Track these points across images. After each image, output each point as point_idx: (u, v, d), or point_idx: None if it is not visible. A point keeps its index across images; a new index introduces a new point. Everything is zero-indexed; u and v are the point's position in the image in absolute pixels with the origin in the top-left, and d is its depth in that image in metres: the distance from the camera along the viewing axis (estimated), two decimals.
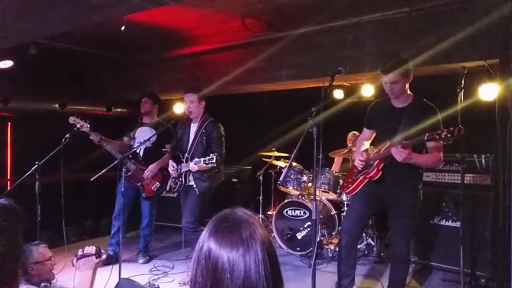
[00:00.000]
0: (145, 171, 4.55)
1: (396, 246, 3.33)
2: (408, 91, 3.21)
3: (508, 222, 3.13)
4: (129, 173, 4.53)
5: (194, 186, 4.08)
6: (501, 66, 3.62)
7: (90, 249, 2.45)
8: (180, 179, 4.19)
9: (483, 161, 4.06)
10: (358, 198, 3.44)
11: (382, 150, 3.18)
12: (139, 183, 4.57)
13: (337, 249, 4.82)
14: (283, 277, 1.10)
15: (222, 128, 4.19)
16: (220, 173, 4.28)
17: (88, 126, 4.37)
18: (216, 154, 3.76)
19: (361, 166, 3.35)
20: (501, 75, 3.58)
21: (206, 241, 1.05)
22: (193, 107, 4.13)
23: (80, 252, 2.49)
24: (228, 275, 1.00)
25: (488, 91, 3.89)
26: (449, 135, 2.75)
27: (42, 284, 2.62)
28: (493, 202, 3.91)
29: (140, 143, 4.58)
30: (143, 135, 4.65)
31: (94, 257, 2.43)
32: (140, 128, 4.78)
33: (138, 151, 4.64)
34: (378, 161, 3.19)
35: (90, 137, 4.39)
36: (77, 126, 4.28)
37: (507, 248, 3.13)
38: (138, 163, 4.59)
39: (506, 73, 3.24)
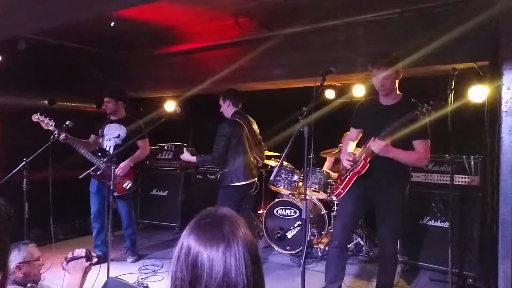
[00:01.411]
0: (116, 169, 4.32)
1: (384, 246, 3.34)
2: (397, 91, 3.22)
3: (496, 223, 3.15)
4: (99, 172, 4.37)
5: None
6: (491, 68, 3.66)
7: (80, 251, 2.41)
8: None
9: (472, 162, 4.09)
10: (348, 199, 3.41)
11: (366, 146, 3.17)
12: (110, 182, 4.35)
13: (327, 248, 4.85)
14: (264, 279, 1.09)
15: (226, 127, 4.20)
16: (227, 173, 4.22)
17: (53, 124, 4.18)
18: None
19: (349, 165, 3.33)
20: (491, 77, 3.62)
21: (186, 237, 1.05)
22: (222, 108, 4.40)
23: (70, 255, 2.45)
24: (207, 271, 0.99)
25: (478, 93, 3.92)
26: (429, 108, 2.77)
27: (29, 284, 2.56)
28: (481, 203, 3.96)
29: (109, 140, 4.51)
30: (112, 132, 4.57)
31: (84, 259, 2.39)
32: (108, 125, 4.63)
33: (107, 148, 4.51)
34: (364, 155, 3.18)
35: (58, 137, 4.13)
36: (45, 127, 4.14)
37: (495, 248, 3.15)
38: (108, 161, 4.33)
39: (495, 75, 3.27)
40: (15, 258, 2.57)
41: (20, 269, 2.58)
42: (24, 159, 3.70)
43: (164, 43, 5.43)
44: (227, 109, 4.35)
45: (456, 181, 4.03)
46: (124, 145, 4.38)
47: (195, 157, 4.42)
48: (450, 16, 3.79)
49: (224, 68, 5.01)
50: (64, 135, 4.20)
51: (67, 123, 4.15)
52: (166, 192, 6.08)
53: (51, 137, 3.93)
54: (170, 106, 6.08)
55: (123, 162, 4.43)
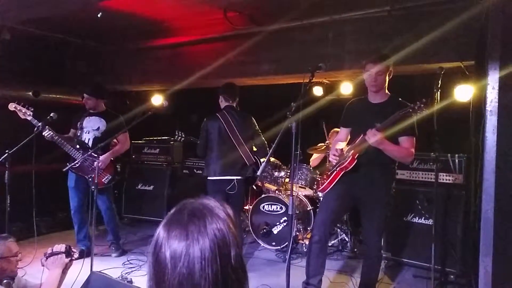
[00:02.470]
0: (95, 162, 4.19)
1: (368, 243, 3.37)
2: (386, 90, 3.26)
3: (478, 221, 3.20)
4: (77, 165, 4.28)
5: None
6: (477, 68, 3.70)
7: (60, 247, 2.36)
8: None
9: (457, 160, 4.15)
10: (331, 194, 3.41)
11: (357, 141, 3.18)
12: (88, 175, 4.34)
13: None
14: (244, 276, 1.05)
15: (205, 121, 4.32)
16: (207, 167, 4.35)
17: (31, 113, 4.11)
18: None
19: (335, 160, 3.34)
20: (476, 76, 3.66)
21: (159, 231, 1.03)
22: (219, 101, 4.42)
23: (49, 250, 2.40)
24: (170, 268, 0.97)
25: (464, 92, 3.97)
26: (422, 105, 2.81)
27: (5, 281, 2.47)
28: (464, 201, 4.02)
29: (88, 132, 4.46)
30: (91, 125, 4.52)
31: (63, 255, 2.35)
32: (88, 117, 4.57)
33: (86, 140, 4.46)
34: (352, 151, 3.20)
35: (42, 133, 4.07)
36: (21, 116, 4.06)
37: (477, 246, 3.20)
38: (87, 154, 4.23)
39: (481, 75, 3.30)
40: None
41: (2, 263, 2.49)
42: (7, 151, 3.64)
43: (151, 36, 5.37)
44: (220, 104, 4.38)
45: (440, 179, 4.08)
46: (107, 140, 4.22)
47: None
48: (438, 15, 3.83)
49: (212, 63, 4.99)
50: (50, 133, 4.14)
51: (51, 115, 4.08)
52: (152, 186, 6.04)
53: (35, 129, 3.86)
54: (157, 100, 6.03)
55: (103, 155, 4.36)
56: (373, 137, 2.94)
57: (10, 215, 3.68)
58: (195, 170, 6.13)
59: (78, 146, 4.31)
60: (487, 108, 2.96)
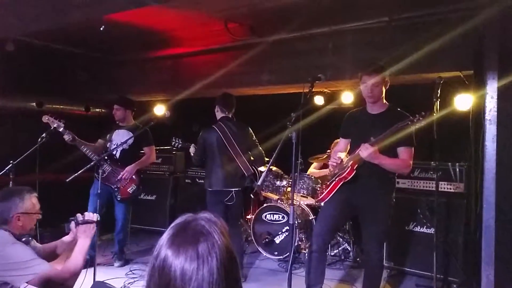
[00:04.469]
0: (121, 173, 4.48)
1: (369, 252, 3.34)
2: (384, 100, 3.27)
3: (480, 229, 3.21)
4: (104, 175, 4.41)
5: None
6: (475, 77, 3.73)
7: (92, 216, 2.32)
8: None
9: (457, 169, 4.16)
10: (331, 203, 3.41)
11: (355, 153, 3.18)
12: (114, 185, 4.49)
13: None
14: None
15: (201, 133, 4.31)
16: (207, 179, 4.32)
17: (63, 125, 4.23)
18: None
19: (335, 164, 3.34)
20: (475, 86, 3.69)
21: (163, 249, 1.01)
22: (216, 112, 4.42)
23: (80, 217, 2.34)
24: (180, 286, 0.96)
25: (463, 101, 3.99)
26: (420, 118, 2.83)
27: (23, 239, 2.36)
28: (466, 210, 4.02)
29: (117, 145, 4.52)
30: (120, 138, 4.60)
31: (95, 225, 2.34)
32: (117, 131, 4.71)
33: (114, 152, 4.58)
34: (352, 162, 3.21)
35: (63, 136, 4.25)
36: (53, 126, 4.16)
37: (478, 254, 3.21)
38: (115, 165, 4.52)
39: (480, 84, 3.33)
40: (16, 206, 2.36)
41: (19, 220, 2.36)
42: (11, 161, 3.67)
43: (153, 47, 5.43)
44: (217, 114, 4.38)
45: (441, 188, 4.09)
46: (119, 145, 4.48)
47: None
48: (436, 25, 3.86)
49: (213, 73, 5.03)
50: (71, 136, 4.25)
51: (56, 125, 4.16)
52: (154, 196, 6.05)
53: (39, 139, 3.90)
54: (159, 110, 6.07)
55: (129, 166, 4.49)
56: (365, 151, 2.94)
57: None
58: (197, 180, 6.14)
59: (106, 158, 4.40)
60: (486, 117, 2.99)
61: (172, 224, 1.08)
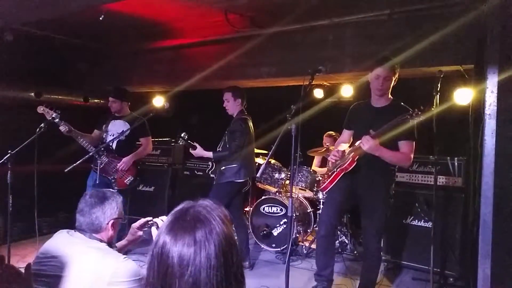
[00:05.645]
0: (118, 164, 4.47)
1: (367, 243, 3.41)
2: (389, 94, 3.31)
3: (477, 223, 3.21)
4: (101, 166, 4.39)
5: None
6: (476, 71, 3.72)
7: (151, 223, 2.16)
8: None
9: (456, 163, 4.17)
10: (334, 192, 3.46)
11: (356, 144, 3.23)
12: (111, 177, 4.47)
13: (312, 246, 4.91)
14: (243, 281, 1.07)
15: (242, 124, 4.24)
16: (238, 169, 4.23)
17: (59, 116, 4.19)
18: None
19: (334, 160, 3.39)
20: (476, 80, 3.68)
21: (161, 236, 1.02)
22: (229, 105, 4.34)
23: (159, 222, 2.14)
24: (178, 274, 0.97)
25: (463, 96, 3.99)
26: (419, 113, 2.86)
27: (116, 248, 2.12)
28: (463, 204, 4.03)
29: (113, 136, 4.51)
30: (116, 128, 4.58)
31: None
32: (113, 121, 4.67)
33: (111, 144, 4.56)
34: (353, 154, 3.25)
35: (59, 128, 4.22)
36: (49, 117, 4.12)
37: (475, 248, 3.22)
38: (111, 156, 4.50)
39: (480, 79, 3.32)
40: (112, 211, 2.06)
41: (113, 227, 2.07)
42: (9, 151, 3.66)
43: (153, 38, 5.40)
44: (236, 107, 4.34)
45: (439, 182, 4.10)
46: (117, 136, 4.45)
47: (210, 153, 4.27)
48: (437, 19, 3.85)
49: (213, 65, 5.01)
50: (67, 127, 4.22)
51: (53, 115, 4.14)
52: (153, 187, 6.06)
53: (37, 129, 3.89)
54: (159, 101, 6.06)
55: (126, 157, 4.47)
56: (366, 144, 2.98)
57: (12, 215, 3.70)
58: (196, 172, 6.15)
59: (103, 149, 4.38)
60: (486, 112, 2.98)
61: (171, 212, 1.08)
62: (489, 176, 2.96)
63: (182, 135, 4.19)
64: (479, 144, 3.19)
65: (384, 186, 3.31)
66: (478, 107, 3.46)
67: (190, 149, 4.32)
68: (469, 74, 3.97)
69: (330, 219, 3.46)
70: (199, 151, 4.26)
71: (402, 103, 3.25)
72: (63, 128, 4.22)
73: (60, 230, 2.11)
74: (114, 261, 1.82)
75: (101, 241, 2.02)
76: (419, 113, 2.87)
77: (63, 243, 1.97)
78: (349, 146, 3.50)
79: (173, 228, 1.02)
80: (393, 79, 3.22)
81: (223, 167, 4.26)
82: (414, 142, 3.19)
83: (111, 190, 2.22)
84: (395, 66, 3.21)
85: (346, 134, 3.57)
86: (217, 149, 4.36)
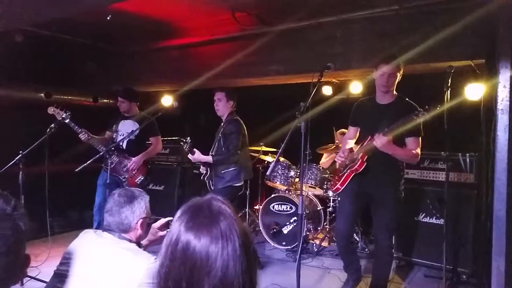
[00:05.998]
0: (129, 163, 4.50)
1: (379, 240, 3.42)
2: (394, 91, 3.32)
3: (490, 220, 3.18)
4: (112, 166, 4.43)
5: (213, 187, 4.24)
6: (487, 66, 3.67)
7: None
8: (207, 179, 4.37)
9: (468, 159, 4.12)
10: (346, 198, 3.53)
11: (365, 143, 3.27)
12: (122, 176, 4.50)
13: (322, 244, 4.92)
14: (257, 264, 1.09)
15: (238, 125, 4.20)
16: (238, 171, 4.17)
17: (69, 116, 4.20)
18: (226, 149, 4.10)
19: (340, 161, 3.43)
20: (487, 75, 3.63)
21: (182, 234, 1.00)
22: (221, 105, 4.23)
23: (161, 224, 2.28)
24: (207, 270, 0.96)
25: (474, 91, 3.94)
26: (424, 112, 2.90)
27: (143, 247, 2.09)
28: (476, 200, 3.99)
29: (123, 135, 4.53)
30: (126, 128, 4.61)
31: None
32: (122, 121, 4.70)
33: (121, 143, 4.59)
34: (361, 154, 3.27)
35: (79, 136, 4.25)
36: (60, 118, 4.14)
37: (488, 245, 3.18)
38: (122, 155, 4.53)
39: (492, 74, 3.28)
40: (140, 210, 2.05)
41: (142, 227, 2.05)
42: (20, 152, 3.69)
43: (160, 37, 5.40)
44: (228, 108, 4.26)
45: (451, 179, 4.06)
46: (126, 136, 4.48)
47: (209, 157, 4.18)
48: (447, 13, 3.80)
49: (221, 63, 5.00)
50: (86, 135, 4.25)
51: (64, 115, 4.17)
52: (162, 186, 6.08)
53: (48, 130, 3.92)
54: (167, 100, 6.07)
55: (136, 157, 4.50)
56: (379, 142, 3.02)
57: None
58: None
59: (113, 148, 4.41)
60: (498, 107, 2.94)
61: (183, 209, 1.06)
62: (502, 172, 2.92)
63: (188, 140, 4.13)
64: (492, 140, 3.15)
65: (393, 183, 3.32)
66: (490, 102, 3.41)
67: (188, 154, 4.23)
68: (480, 69, 3.92)
69: (346, 230, 3.54)
70: (197, 156, 4.15)
71: (407, 99, 3.27)
72: (83, 136, 4.26)
73: (86, 230, 2.09)
74: (145, 262, 1.79)
75: (130, 241, 1.99)
76: (425, 113, 2.91)
77: (91, 243, 1.95)
78: (356, 143, 3.52)
79: (194, 225, 1.01)
80: (398, 75, 3.23)
81: (223, 171, 4.15)
82: (420, 138, 3.22)
83: (139, 189, 2.19)
84: (399, 63, 3.22)
85: (352, 130, 3.60)
86: (210, 153, 4.26)
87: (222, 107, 4.24)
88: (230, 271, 0.97)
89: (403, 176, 3.40)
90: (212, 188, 4.27)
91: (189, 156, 4.21)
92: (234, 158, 4.13)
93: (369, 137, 3.21)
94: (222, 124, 4.28)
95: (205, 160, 4.19)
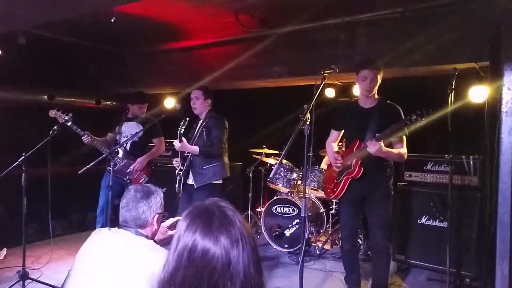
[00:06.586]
0: (132, 164, 4.50)
1: (375, 241, 3.46)
2: (376, 94, 3.43)
3: (494, 223, 3.16)
4: (116, 167, 4.43)
5: (193, 182, 4.08)
6: (491, 68, 3.65)
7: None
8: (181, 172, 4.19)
9: (471, 162, 4.10)
10: (346, 207, 3.61)
11: (355, 149, 3.38)
12: (126, 177, 4.51)
13: (324, 247, 4.90)
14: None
15: (225, 121, 4.16)
16: (221, 167, 4.09)
17: (71, 118, 4.20)
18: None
19: (338, 167, 3.52)
20: (491, 77, 3.61)
21: (200, 241, 0.99)
22: (198, 103, 4.16)
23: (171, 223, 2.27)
24: (229, 274, 0.96)
25: (478, 93, 3.92)
26: (419, 118, 2.96)
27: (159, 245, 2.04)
28: (479, 203, 3.96)
29: (127, 137, 4.53)
30: (129, 130, 4.62)
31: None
32: (126, 123, 4.72)
33: (124, 145, 4.59)
34: (355, 160, 3.37)
35: (82, 138, 4.26)
36: (62, 120, 4.14)
37: (492, 249, 3.16)
38: (125, 157, 4.53)
39: (496, 76, 3.26)
40: (156, 206, 2.01)
41: (158, 222, 2.03)
42: (23, 154, 3.69)
43: (164, 39, 5.41)
44: (206, 106, 4.18)
45: (455, 181, 4.04)
46: (130, 138, 4.46)
47: (196, 147, 3.98)
48: (451, 16, 3.79)
49: (224, 65, 5.00)
50: (89, 138, 4.26)
51: (66, 118, 4.17)
52: (165, 188, 6.06)
53: (50, 132, 3.92)
54: (170, 103, 6.07)
55: (140, 158, 4.53)
56: (373, 147, 3.15)
57: (27, 217, 3.74)
58: None
59: (117, 150, 4.42)
60: (502, 109, 2.92)
61: (191, 217, 1.05)
62: (506, 174, 2.90)
63: (187, 119, 3.91)
64: (496, 143, 3.13)
65: (385, 182, 3.44)
66: (494, 105, 3.39)
67: (175, 141, 3.96)
68: (484, 72, 3.90)
69: (350, 238, 3.61)
70: (184, 145, 3.91)
71: (388, 101, 3.41)
72: (86, 139, 4.27)
73: (99, 229, 2.08)
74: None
75: (147, 237, 1.97)
76: (418, 118, 2.96)
77: (107, 242, 1.90)
78: (346, 148, 3.64)
79: (210, 230, 1.00)
80: (379, 78, 3.34)
81: (204, 167, 4.01)
82: (405, 137, 3.37)
83: (154, 185, 2.16)
84: (379, 66, 3.34)
85: (335, 134, 3.71)
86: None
87: (200, 105, 4.16)
88: (250, 271, 0.98)
89: (392, 174, 3.52)
90: (195, 185, 4.07)
91: (175, 142, 3.94)
92: (220, 151, 4.05)
93: (357, 142, 3.36)
94: (202, 120, 4.17)
95: (191, 151, 4.01)
